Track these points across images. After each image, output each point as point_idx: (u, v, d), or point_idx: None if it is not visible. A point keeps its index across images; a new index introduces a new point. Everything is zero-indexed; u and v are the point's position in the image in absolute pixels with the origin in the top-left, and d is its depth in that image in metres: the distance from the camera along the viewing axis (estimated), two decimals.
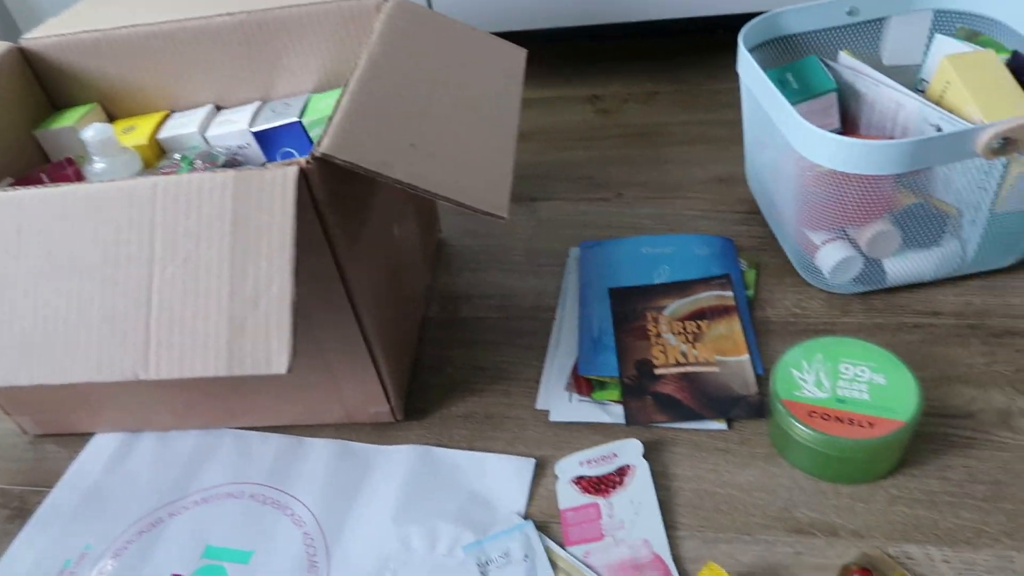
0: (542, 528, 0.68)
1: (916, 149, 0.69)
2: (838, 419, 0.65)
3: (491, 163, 0.65)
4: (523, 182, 1.11)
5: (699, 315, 0.82)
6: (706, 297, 0.84)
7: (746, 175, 1.04)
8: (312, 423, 0.79)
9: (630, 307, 0.85)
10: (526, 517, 0.69)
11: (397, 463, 0.75)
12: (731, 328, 0.80)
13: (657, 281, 0.88)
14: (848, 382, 0.68)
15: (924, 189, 0.80)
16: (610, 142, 1.19)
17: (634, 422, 0.74)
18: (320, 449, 0.78)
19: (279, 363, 0.54)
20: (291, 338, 0.54)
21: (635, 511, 0.68)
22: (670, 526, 0.67)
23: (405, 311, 0.83)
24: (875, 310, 0.82)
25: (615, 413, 0.76)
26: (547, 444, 0.75)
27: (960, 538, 0.63)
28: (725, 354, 0.78)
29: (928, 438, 0.70)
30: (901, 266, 0.81)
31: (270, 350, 0.54)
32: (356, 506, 0.72)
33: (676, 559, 0.64)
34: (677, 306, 0.84)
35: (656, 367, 0.78)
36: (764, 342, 0.81)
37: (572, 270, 0.92)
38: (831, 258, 0.81)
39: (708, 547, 0.65)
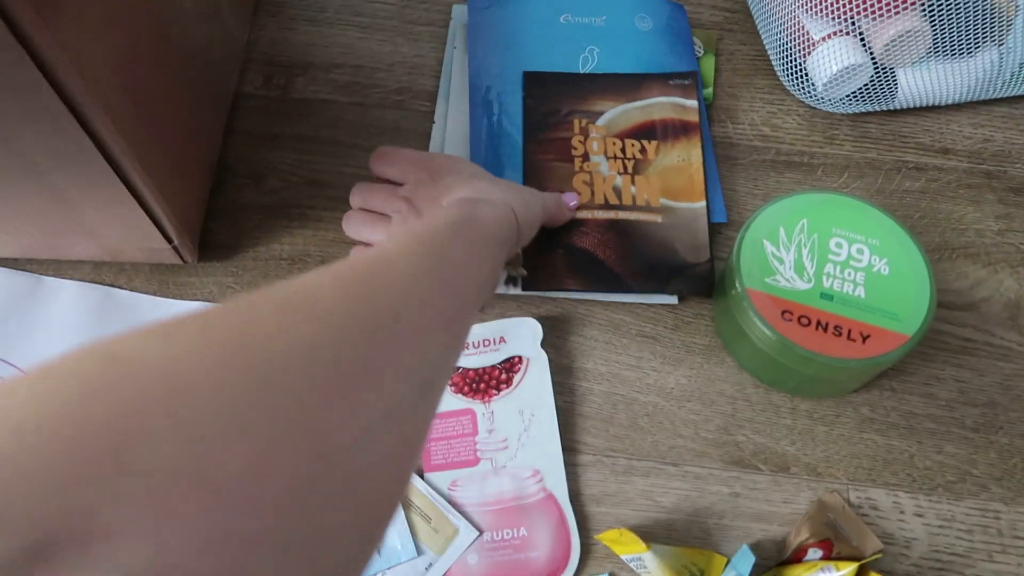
0: None
1: None
2: (821, 326, 0.46)
3: None
4: None
5: (646, 131, 0.57)
6: (660, 105, 0.58)
7: None
8: (53, 259, 0.53)
9: (551, 105, 0.58)
10: None
11: None
12: (688, 155, 0.56)
13: (585, 69, 0.61)
14: (840, 267, 0.48)
15: None
16: None
17: (535, 287, 0.52)
18: (69, 295, 0.52)
19: None
20: None
21: (524, 425, 0.48)
22: (570, 448, 0.48)
23: (194, 88, 0.54)
24: (869, 139, 0.60)
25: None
26: None
27: (939, 481, 0.48)
28: (675, 196, 0.54)
29: None
30: (920, 81, 0.58)
31: None
32: None
33: (574, 497, 0.47)
34: (618, 114, 0.57)
35: (578, 207, 0.54)
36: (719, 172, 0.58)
37: (459, 40, 0.63)
38: (832, 63, 0.56)
39: (618, 481, 0.48)
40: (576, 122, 0.57)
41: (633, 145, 0.56)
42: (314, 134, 0.59)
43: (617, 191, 0.54)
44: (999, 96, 0.61)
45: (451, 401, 0.49)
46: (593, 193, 0.54)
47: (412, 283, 0.29)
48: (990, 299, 0.54)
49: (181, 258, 0.52)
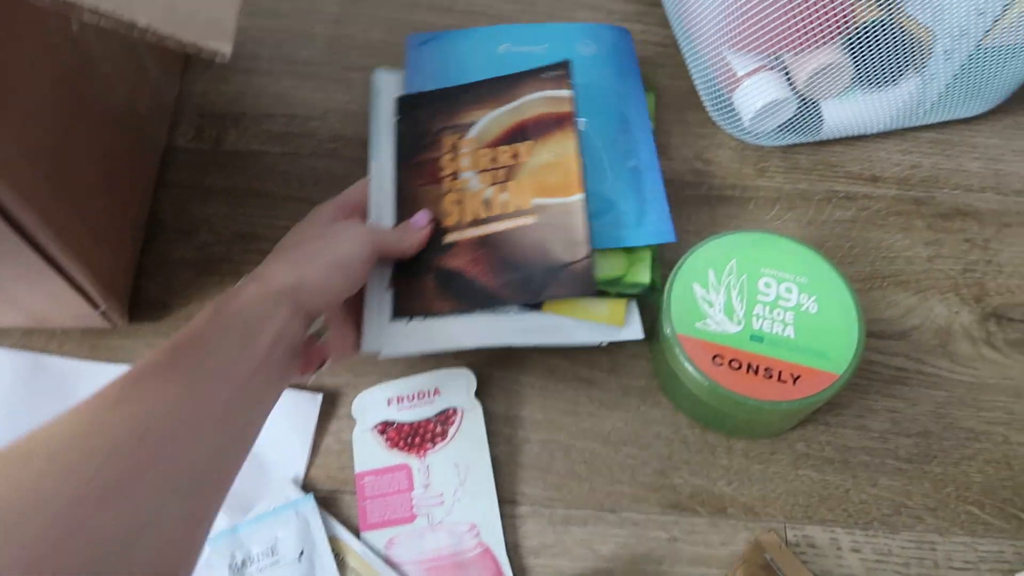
0: (328, 502, 0.48)
1: None
2: (752, 369, 0.46)
3: None
4: None
5: (519, 133, 0.52)
6: (532, 102, 0.53)
7: None
8: None
9: (423, 126, 0.54)
10: (306, 488, 0.48)
11: None
12: (563, 149, 0.50)
13: None
14: (769, 308, 0.48)
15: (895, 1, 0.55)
16: None
17: (404, 313, 0.48)
18: None
19: None
20: None
21: (460, 479, 0.48)
22: (508, 499, 0.48)
23: (118, 147, 0.53)
24: (800, 169, 0.61)
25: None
26: (345, 366, 0.52)
27: (875, 515, 0.49)
28: (548, 194, 0.50)
29: None
30: (844, 112, 0.59)
31: None
32: None
33: (512, 551, 0.47)
34: (489, 121, 0.53)
35: (447, 231, 0.50)
36: None
37: (387, 91, 0.58)
38: (757, 98, 0.57)
39: (556, 531, 0.48)
40: (447, 139, 0.54)
41: (505, 152, 0.52)
42: (246, 186, 0.59)
43: (487, 203, 0.50)
44: (925, 123, 0.62)
45: (386, 456, 0.49)
46: (463, 212, 0.51)
47: (158, 398, 0.32)
48: (921, 327, 0.55)
49: (110, 322, 0.51)
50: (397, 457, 0.49)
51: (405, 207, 0.52)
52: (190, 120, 0.61)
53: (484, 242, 0.49)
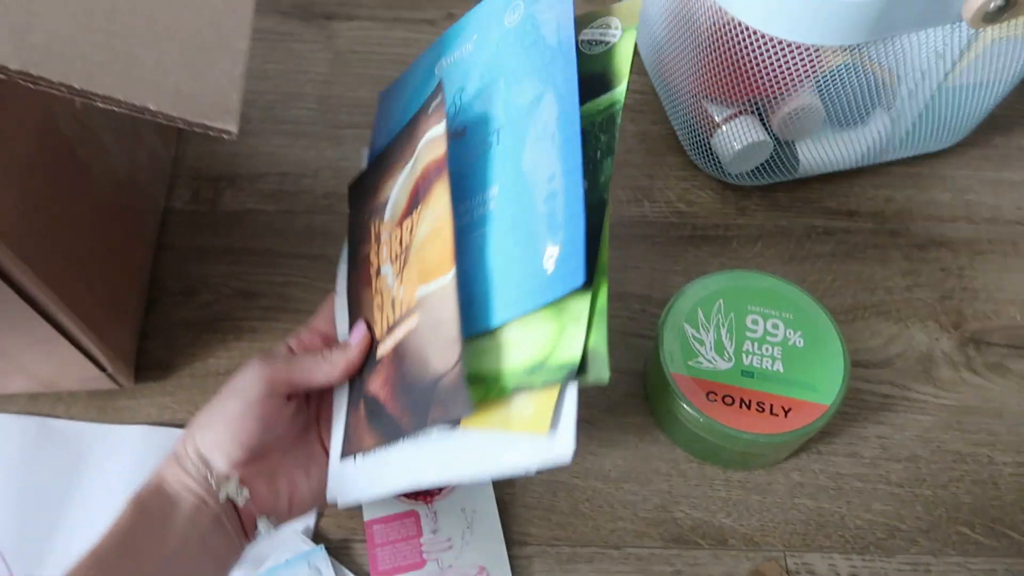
0: (339, 551, 0.49)
1: (887, 10, 0.47)
2: (745, 403, 0.48)
3: (207, 27, 0.36)
4: None
5: (415, 199, 0.41)
6: (421, 153, 0.42)
7: None
8: None
9: (362, 216, 0.47)
10: (316, 538, 0.49)
11: (125, 454, 0.52)
12: (439, 209, 0.38)
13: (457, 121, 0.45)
14: (757, 344, 0.50)
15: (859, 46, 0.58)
16: None
17: (347, 451, 0.42)
18: (2, 429, 0.52)
19: None
20: None
21: (467, 523, 0.49)
22: (515, 541, 0.49)
23: (120, 214, 0.55)
24: (779, 207, 0.63)
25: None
26: None
27: (870, 539, 0.50)
28: (429, 276, 0.38)
29: None
30: (819, 151, 0.62)
31: None
32: (65, 521, 0.49)
33: None
34: (398, 191, 0.43)
35: (379, 344, 0.42)
36: (636, 251, 0.61)
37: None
38: (734, 142, 0.59)
39: (564, 570, 0.49)
40: (372, 227, 0.45)
41: (408, 228, 0.41)
42: (244, 245, 0.60)
43: (394, 303, 0.41)
44: (896, 158, 0.65)
45: (394, 504, 0.50)
46: (383, 317, 0.42)
47: None
48: (904, 354, 0.57)
49: (117, 383, 0.52)
50: (405, 504, 0.50)
51: (353, 318, 0.45)
52: (186, 183, 0.63)
53: (394, 356, 0.40)
